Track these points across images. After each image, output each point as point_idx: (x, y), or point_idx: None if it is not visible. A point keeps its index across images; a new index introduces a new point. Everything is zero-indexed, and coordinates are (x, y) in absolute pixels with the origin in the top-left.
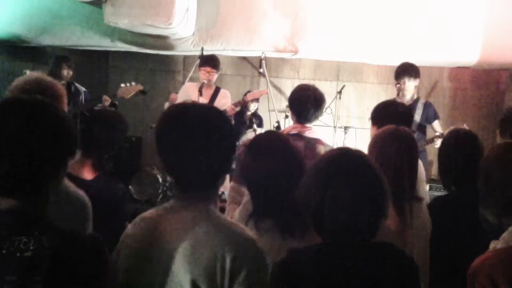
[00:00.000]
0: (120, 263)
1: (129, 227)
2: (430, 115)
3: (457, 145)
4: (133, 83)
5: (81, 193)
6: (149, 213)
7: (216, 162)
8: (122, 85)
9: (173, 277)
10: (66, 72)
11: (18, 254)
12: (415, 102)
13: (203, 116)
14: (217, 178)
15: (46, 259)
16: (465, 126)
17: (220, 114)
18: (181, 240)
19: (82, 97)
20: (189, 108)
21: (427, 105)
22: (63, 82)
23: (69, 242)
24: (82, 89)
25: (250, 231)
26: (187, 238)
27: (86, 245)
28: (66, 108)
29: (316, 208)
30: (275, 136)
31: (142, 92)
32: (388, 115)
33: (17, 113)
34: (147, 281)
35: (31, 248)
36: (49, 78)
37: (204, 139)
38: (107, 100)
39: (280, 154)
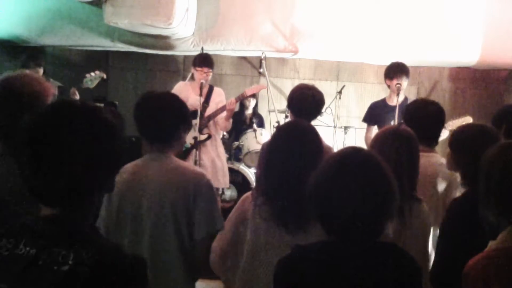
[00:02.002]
0: (113, 198)
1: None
2: None
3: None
4: (96, 72)
5: None
6: (129, 165)
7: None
8: (87, 75)
9: (157, 202)
10: (34, 72)
11: (55, 267)
12: (405, 100)
13: (170, 104)
14: (173, 137)
15: (83, 275)
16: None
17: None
18: (156, 176)
19: (56, 92)
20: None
21: None
22: None
23: (108, 259)
24: (57, 83)
25: (199, 169)
26: (161, 174)
27: (126, 265)
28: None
29: (324, 205)
30: (311, 128)
31: (104, 79)
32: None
33: (69, 119)
34: (136, 207)
35: (70, 262)
36: (29, 76)
37: (166, 117)
38: (75, 94)
39: (311, 146)
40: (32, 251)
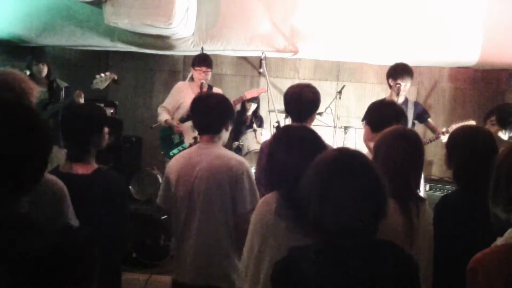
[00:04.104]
0: (171, 179)
1: (172, 160)
2: (422, 114)
3: (474, 141)
4: (107, 73)
5: (54, 178)
6: (184, 152)
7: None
8: (97, 76)
9: (206, 183)
10: (37, 69)
11: (10, 255)
12: (405, 101)
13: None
14: (220, 130)
15: (38, 259)
16: (472, 122)
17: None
18: (206, 161)
19: (63, 93)
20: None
21: (416, 105)
22: (43, 79)
23: (59, 241)
24: (63, 84)
25: (240, 157)
26: (209, 160)
27: (78, 243)
28: (34, 100)
29: (317, 208)
30: (309, 130)
31: (115, 81)
32: (385, 116)
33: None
34: (189, 182)
35: (24, 247)
36: (18, 73)
37: (217, 113)
38: (80, 96)
39: (313, 147)
40: None
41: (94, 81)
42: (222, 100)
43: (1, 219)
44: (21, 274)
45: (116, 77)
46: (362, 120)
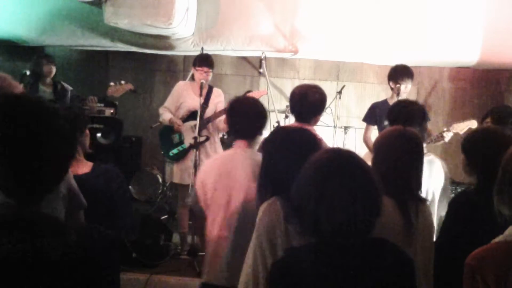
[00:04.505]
0: (208, 182)
1: (207, 164)
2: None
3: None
4: (122, 82)
5: None
6: (221, 156)
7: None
8: (111, 83)
9: (244, 188)
10: (48, 69)
11: (43, 257)
12: None
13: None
14: (257, 135)
15: (57, 261)
16: (472, 121)
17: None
18: (244, 167)
19: (69, 95)
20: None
21: None
22: (49, 80)
23: (79, 242)
24: (69, 88)
25: None
26: (247, 163)
27: (103, 243)
28: None
29: (313, 209)
30: (308, 133)
31: (133, 91)
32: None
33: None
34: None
35: (55, 249)
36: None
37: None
38: (94, 101)
39: (307, 148)
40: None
41: (109, 89)
42: (258, 104)
43: (21, 220)
44: (40, 275)
45: (133, 87)
46: (363, 120)
